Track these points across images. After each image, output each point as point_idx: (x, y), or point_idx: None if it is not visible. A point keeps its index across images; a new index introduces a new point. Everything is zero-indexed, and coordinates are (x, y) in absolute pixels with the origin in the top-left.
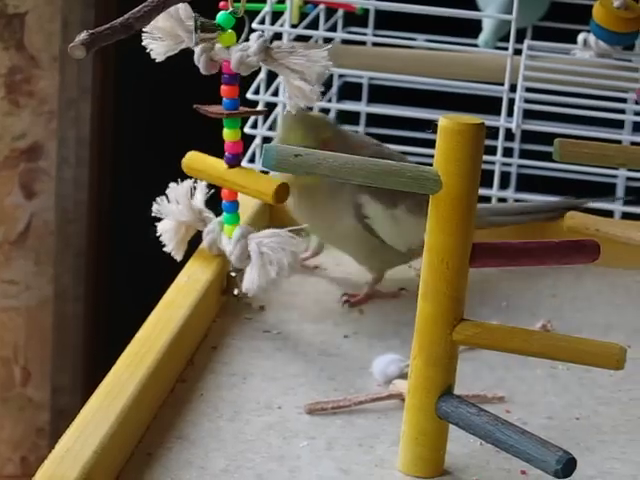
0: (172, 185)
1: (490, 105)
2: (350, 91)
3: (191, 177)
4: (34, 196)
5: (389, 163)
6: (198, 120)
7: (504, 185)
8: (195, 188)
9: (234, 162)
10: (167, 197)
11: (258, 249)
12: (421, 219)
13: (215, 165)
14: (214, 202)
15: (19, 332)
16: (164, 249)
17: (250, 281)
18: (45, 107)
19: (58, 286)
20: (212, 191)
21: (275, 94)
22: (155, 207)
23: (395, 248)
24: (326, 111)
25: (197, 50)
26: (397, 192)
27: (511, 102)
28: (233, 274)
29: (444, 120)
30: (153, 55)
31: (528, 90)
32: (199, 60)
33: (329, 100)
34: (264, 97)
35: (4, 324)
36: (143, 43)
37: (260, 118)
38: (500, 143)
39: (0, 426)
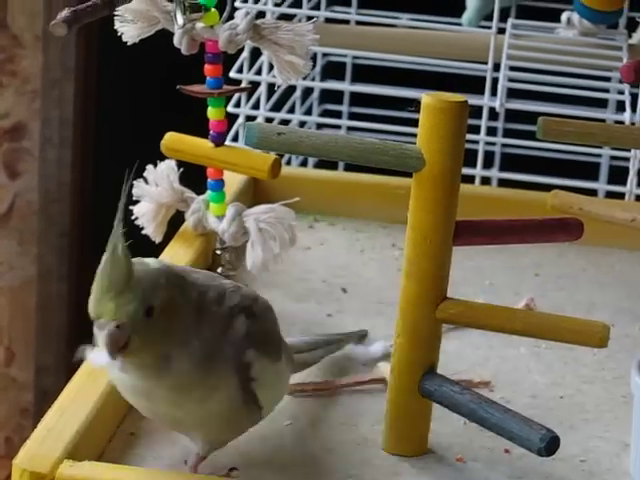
0: (149, 167)
1: (474, 84)
2: (334, 70)
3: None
4: (17, 176)
5: (372, 141)
6: (181, 100)
7: (488, 164)
8: (174, 169)
9: (220, 140)
10: (145, 179)
11: (256, 225)
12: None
13: (198, 144)
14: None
15: (3, 312)
16: (143, 232)
17: (254, 258)
18: (28, 87)
19: (42, 266)
20: (181, 170)
21: (258, 73)
22: (134, 190)
23: (255, 416)
24: (309, 90)
25: (178, 31)
26: (280, 342)
27: (495, 81)
28: (218, 252)
29: (427, 97)
30: (125, 38)
31: (512, 69)
32: (181, 41)
33: (312, 79)
34: (247, 76)
35: None
36: (115, 27)
37: (243, 97)
38: (484, 122)
39: None
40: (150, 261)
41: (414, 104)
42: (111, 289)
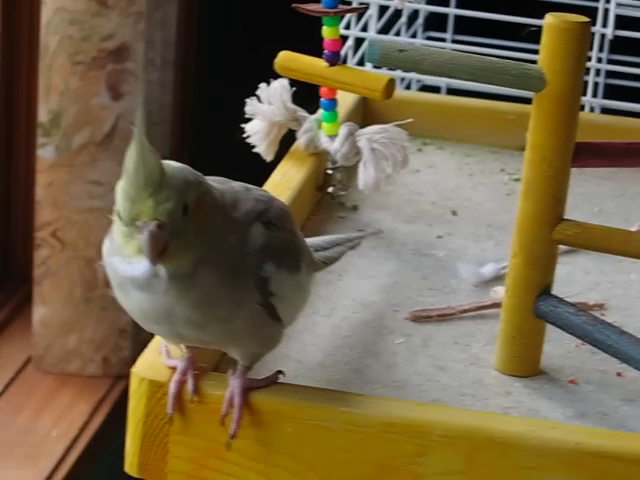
0: (262, 86)
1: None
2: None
3: (282, 77)
4: (121, 97)
5: (494, 60)
6: (285, 23)
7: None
8: (287, 87)
9: (334, 60)
10: (258, 98)
11: (369, 145)
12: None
13: (313, 63)
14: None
15: (103, 233)
16: (254, 150)
17: (366, 178)
18: (133, 8)
19: None
20: (294, 89)
21: None
22: (247, 107)
23: (278, 329)
24: (414, 16)
25: None
26: (298, 251)
27: (606, 11)
28: (330, 172)
29: (550, 18)
30: None
31: None
32: None
33: (418, 2)
34: None
35: (89, 225)
36: None
37: (353, 19)
38: (595, 50)
39: (83, 326)
40: (170, 161)
41: (527, 30)
42: (148, 186)
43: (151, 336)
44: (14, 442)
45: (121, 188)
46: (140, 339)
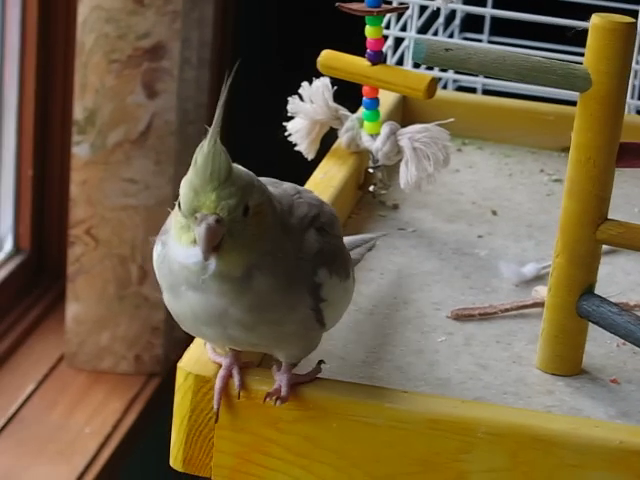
0: (305, 84)
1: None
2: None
3: (324, 75)
4: (156, 96)
5: (540, 60)
6: (324, 23)
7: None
8: (328, 86)
9: (377, 59)
10: (300, 96)
11: (411, 144)
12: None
13: (355, 62)
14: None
15: (137, 231)
16: (296, 148)
17: (408, 177)
18: (169, 7)
19: (177, 186)
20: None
21: None
22: (290, 106)
23: (321, 334)
24: (451, 17)
25: None
26: (348, 257)
27: None
28: (371, 170)
29: (596, 18)
30: None
31: None
32: None
33: (456, 2)
34: None
35: (122, 222)
36: None
37: (393, 19)
38: (636, 49)
39: (115, 324)
40: (239, 165)
41: (572, 31)
42: (214, 180)
43: (185, 334)
44: (48, 439)
45: (186, 179)
46: (173, 337)
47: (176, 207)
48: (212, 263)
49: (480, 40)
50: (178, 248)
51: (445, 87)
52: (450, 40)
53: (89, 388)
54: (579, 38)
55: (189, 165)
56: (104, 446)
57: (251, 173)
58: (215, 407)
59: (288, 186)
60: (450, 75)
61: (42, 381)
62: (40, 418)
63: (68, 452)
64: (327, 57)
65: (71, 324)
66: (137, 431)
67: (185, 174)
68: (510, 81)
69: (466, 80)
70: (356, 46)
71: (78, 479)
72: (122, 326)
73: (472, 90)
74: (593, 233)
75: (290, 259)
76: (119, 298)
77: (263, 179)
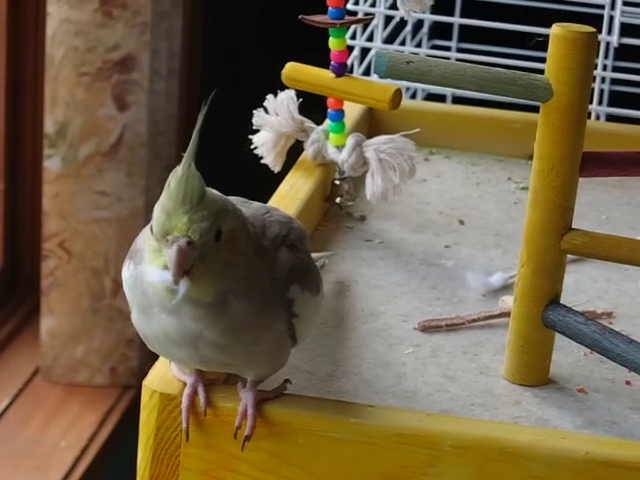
0: (269, 97)
1: (587, 22)
2: (443, 6)
3: (288, 88)
4: (126, 108)
5: (501, 71)
6: (285, 34)
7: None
8: (294, 99)
9: (341, 71)
10: (265, 109)
11: (377, 156)
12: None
13: (319, 75)
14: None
15: (110, 243)
16: (262, 161)
17: (374, 188)
18: (138, 19)
19: (149, 197)
20: (300, 100)
21: (373, 5)
22: (255, 119)
23: (290, 350)
24: (419, 25)
25: None
26: (318, 273)
27: (611, 19)
28: (337, 182)
29: (557, 28)
30: None
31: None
32: None
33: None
34: (364, 7)
35: (95, 235)
36: None
37: (359, 29)
38: (601, 58)
39: (90, 336)
40: (214, 190)
41: (534, 40)
42: (186, 202)
43: None
44: (23, 453)
45: (159, 203)
46: (147, 349)
47: (149, 230)
48: (183, 287)
49: (449, 47)
50: (151, 270)
51: (414, 96)
52: (417, 49)
53: (64, 401)
54: (545, 44)
55: (160, 176)
56: (80, 459)
57: (225, 197)
58: (184, 426)
59: (257, 205)
60: (419, 84)
61: (17, 395)
62: (15, 433)
63: (44, 466)
64: (291, 69)
65: (46, 337)
66: (113, 443)
67: (156, 185)
68: (472, 92)
69: (435, 88)
70: (323, 57)
71: None
72: (97, 339)
73: (442, 98)
74: (557, 243)
75: (265, 280)
76: (93, 311)
77: (232, 198)
